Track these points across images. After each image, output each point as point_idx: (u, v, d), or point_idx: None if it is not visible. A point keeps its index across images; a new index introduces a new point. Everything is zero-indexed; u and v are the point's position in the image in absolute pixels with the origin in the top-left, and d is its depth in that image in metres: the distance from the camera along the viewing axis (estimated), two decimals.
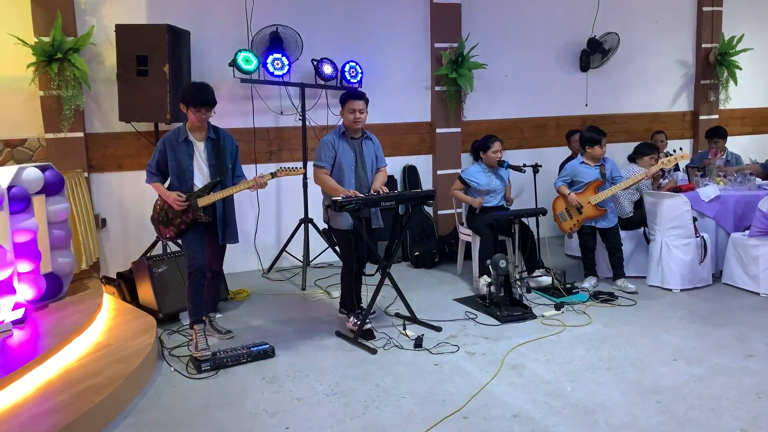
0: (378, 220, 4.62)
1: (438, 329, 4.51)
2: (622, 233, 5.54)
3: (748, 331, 4.36)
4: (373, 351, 4.14)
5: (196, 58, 5.82)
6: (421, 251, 6.39)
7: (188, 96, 4.05)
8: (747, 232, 5.29)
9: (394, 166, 6.73)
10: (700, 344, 4.16)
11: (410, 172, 6.87)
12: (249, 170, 5.44)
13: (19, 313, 4.04)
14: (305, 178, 5.91)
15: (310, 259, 6.22)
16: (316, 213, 5.25)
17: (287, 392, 3.61)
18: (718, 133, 6.76)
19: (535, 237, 5.47)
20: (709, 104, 8.26)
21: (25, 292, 4.22)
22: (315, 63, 6.06)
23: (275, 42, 5.89)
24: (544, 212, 5.29)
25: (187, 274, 4.16)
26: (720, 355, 3.97)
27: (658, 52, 7.95)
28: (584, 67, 7.49)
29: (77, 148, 5.58)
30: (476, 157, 5.70)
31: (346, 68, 6.22)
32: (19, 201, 4.17)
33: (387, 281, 4.52)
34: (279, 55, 5.79)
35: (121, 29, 5.33)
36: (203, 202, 4.12)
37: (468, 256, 5.94)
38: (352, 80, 6.25)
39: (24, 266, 4.20)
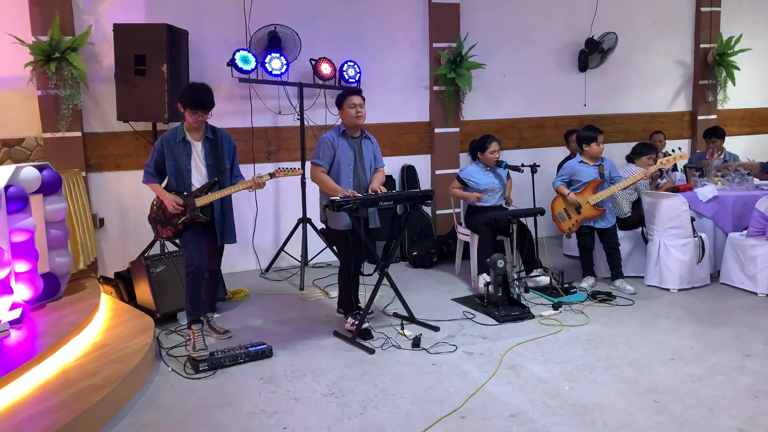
0: (375, 221, 4.61)
1: (436, 329, 4.51)
2: (620, 233, 5.54)
3: (746, 331, 4.36)
4: (371, 351, 4.13)
5: (194, 57, 5.82)
6: (420, 251, 6.39)
7: (186, 97, 4.04)
8: (745, 232, 5.30)
9: (393, 165, 6.74)
10: (697, 344, 4.16)
11: (409, 172, 6.87)
12: (247, 170, 5.44)
13: (17, 313, 4.03)
14: (303, 178, 5.90)
15: (308, 259, 6.22)
16: (315, 213, 5.24)
17: (285, 392, 3.61)
18: (715, 133, 6.77)
19: (534, 237, 5.47)
20: (708, 104, 8.28)
21: (22, 292, 4.21)
22: (313, 63, 6.06)
23: (273, 42, 5.89)
24: (542, 212, 5.30)
25: (185, 274, 4.16)
26: (717, 354, 3.98)
27: (657, 52, 7.96)
28: (583, 67, 7.50)
29: (75, 148, 5.57)
30: (474, 157, 5.70)
31: (345, 68, 6.22)
32: (17, 200, 4.16)
33: (385, 281, 4.52)
34: (277, 55, 5.78)
35: (119, 29, 5.33)
36: (201, 202, 4.12)
37: (466, 255, 5.94)
38: (350, 80, 6.25)
39: (21, 266, 4.20)
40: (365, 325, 4.40)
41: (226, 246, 4.45)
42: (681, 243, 5.26)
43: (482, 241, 5.34)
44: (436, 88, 6.78)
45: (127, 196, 5.84)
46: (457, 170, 6.36)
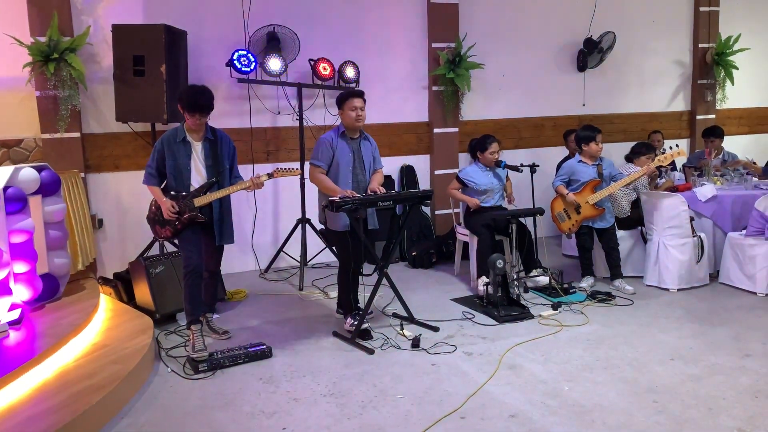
0: (374, 222, 4.61)
1: (435, 329, 4.51)
2: (620, 233, 5.55)
3: (745, 331, 4.36)
4: (371, 351, 4.13)
5: (193, 58, 5.81)
6: (419, 251, 6.39)
7: (185, 100, 4.06)
8: (744, 231, 5.30)
9: (392, 165, 6.74)
10: (697, 344, 4.16)
11: (408, 172, 6.86)
12: (246, 170, 5.43)
13: (16, 314, 4.03)
14: (302, 178, 5.90)
15: (308, 260, 6.22)
16: (314, 213, 5.24)
17: (284, 392, 3.61)
18: (714, 133, 6.77)
19: (533, 237, 5.47)
20: (706, 104, 8.29)
21: (21, 292, 4.21)
22: (312, 63, 6.06)
23: (272, 42, 5.88)
24: (541, 212, 5.30)
25: (184, 274, 4.16)
26: (717, 354, 3.98)
27: (655, 52, 7.97)
28: (581, 67, 7.50)
29: (74, 149, 5.57)
30: (473, 156, 5.70)
31: (344, 68, 6.22)
32: (16, 201, 4.16)
33: (384, 281, 4.52)
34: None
35: (117, 29, 5.32)
36: (199, 202, 4.12)
37: (465, 256, 5.94)
38: (349, 80, 6.25)
39: (20, 267, 4.19)
40: (365, 326, 4.40)
41: (225, 246, 4.46)
42: (680, 243, 5.27)
43: (481, 243, 5.34)
44: (435, 88, 6.78)
45: (126, 197, 5.84)
46: (456, 170, 6.37)
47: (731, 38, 7.95)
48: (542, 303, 5.04)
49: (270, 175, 4.27)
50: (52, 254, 4.56)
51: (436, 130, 6.89)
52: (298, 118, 6.07)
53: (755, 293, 5.11)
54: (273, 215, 6.44)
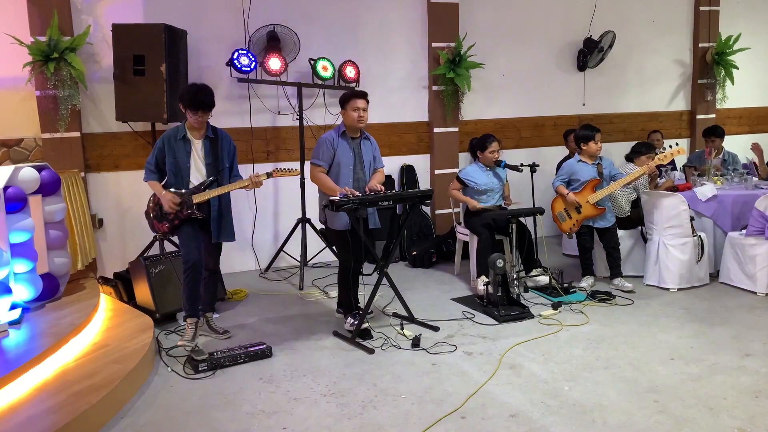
0: (375, 221, 4.61)
1: (435, 329, 4.51)
2: (620, 232, 5.54)
3: (746, 331, 4.36)
4: (371, 351, 4.13)
5: (193, 57, 5.81)
6: (419, 251, 6.39)
7: (186, 98, 4.09)
8: (744, 231, 5.30)
9: (392, 165, 6.73)
10: (697, 343, 4.16)
11: (408, 172, 6.86)
12: (246, 169, 5.42)
13: (16, 314, 4.03)
14: (302, 177, 5.90)
15: (308, 259, 6.22)
16: (314, 213, 5.24)
17: (284, 392, 3.61)
18: (715, 132, 6.77)
19: (533, 236, 5.47)
20: (706, 104, 8.28)
21: (21, 292, 4.21)
22: (312, 62, 6.05)
23: (272, 41, 5.88)
24: (541, 212, 5.30)
25: (183, 270, 4.17)
26: (717, 354, 3.98)
27: (656, 51, 7.97)
28: (582, 66, 7.50)
29: (74, 148, 5.57)
30: (474, 155, 5.70)
31: (344, 68, 6.22)
32: (16, 201, 4.16)
33: (385, 281, 4.51)
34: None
35: (117, 29, 5.32)
36: (198, 198, 4.14)
37: (465, 255, 5.94)
38: (349, 80, 6.25)
39: (20, 266, 4.20)
40: (365, 325, 4.40)
41: (225, 245, 4.47)
42: (680, 242, 5.27)
43: (481, 243, 5.34)
44: (435, 87, 6.78)
45: (126, 197, 5.83)
46: (456, 170, 6.37)
47: (731, 38, 7.95)
48: (542, 303, 5.04)
49: (269, 175, 4.28)
50: (53, 254, 4.57)
51: (436, 130, 6.89)
52: (298, 117, 6.07)
53: (755, 293, 5.11)
54: (273, 215, 6.44)
